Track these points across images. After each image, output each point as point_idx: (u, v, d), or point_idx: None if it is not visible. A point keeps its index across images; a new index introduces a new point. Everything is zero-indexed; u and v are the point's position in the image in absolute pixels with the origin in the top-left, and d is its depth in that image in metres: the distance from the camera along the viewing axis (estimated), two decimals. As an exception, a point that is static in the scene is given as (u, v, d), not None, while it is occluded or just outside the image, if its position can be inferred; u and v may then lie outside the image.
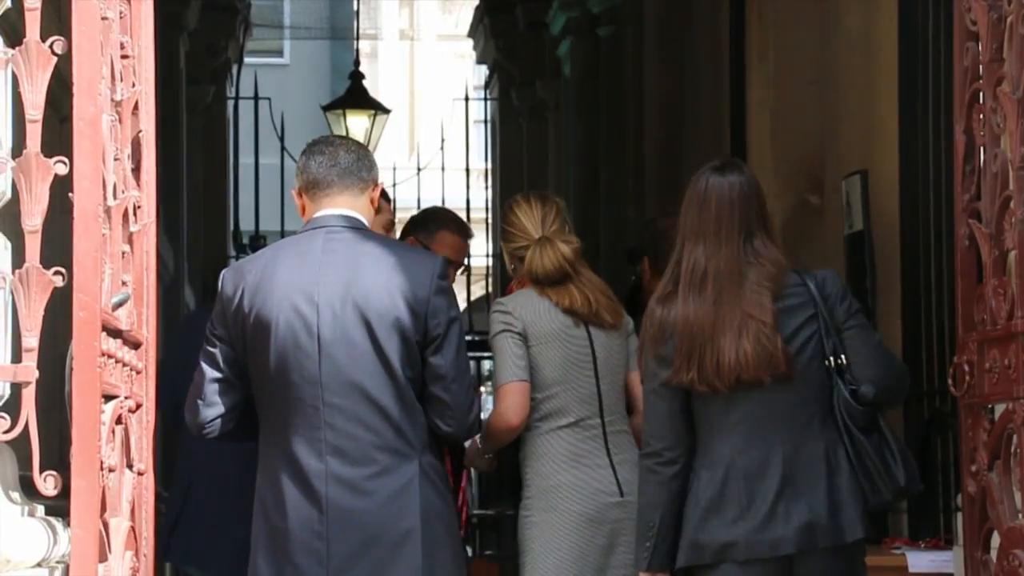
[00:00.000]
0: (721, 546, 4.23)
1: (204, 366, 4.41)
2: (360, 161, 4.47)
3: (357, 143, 4.65)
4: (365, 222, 4.45)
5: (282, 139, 15.38)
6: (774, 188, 8.10)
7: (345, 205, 4.43)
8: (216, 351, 4.40)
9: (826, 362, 4.30)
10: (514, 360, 5.07)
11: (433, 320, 4.33)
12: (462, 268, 6.01)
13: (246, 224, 15.81)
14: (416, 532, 4.26)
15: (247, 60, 16.90)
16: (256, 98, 15.49)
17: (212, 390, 4.39)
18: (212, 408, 4.40)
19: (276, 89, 17.33)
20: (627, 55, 12.38)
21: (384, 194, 4.95)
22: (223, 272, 4.52)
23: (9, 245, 3.83)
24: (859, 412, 4.29)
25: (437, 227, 5.96)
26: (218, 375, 4.39)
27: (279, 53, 25.81)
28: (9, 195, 3.76)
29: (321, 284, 4.33)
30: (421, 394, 4.37)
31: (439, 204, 16.80)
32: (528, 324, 5.12)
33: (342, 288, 4.32)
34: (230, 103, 16.30)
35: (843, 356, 4.30)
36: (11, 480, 3.68)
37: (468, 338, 6.31)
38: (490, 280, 18.15)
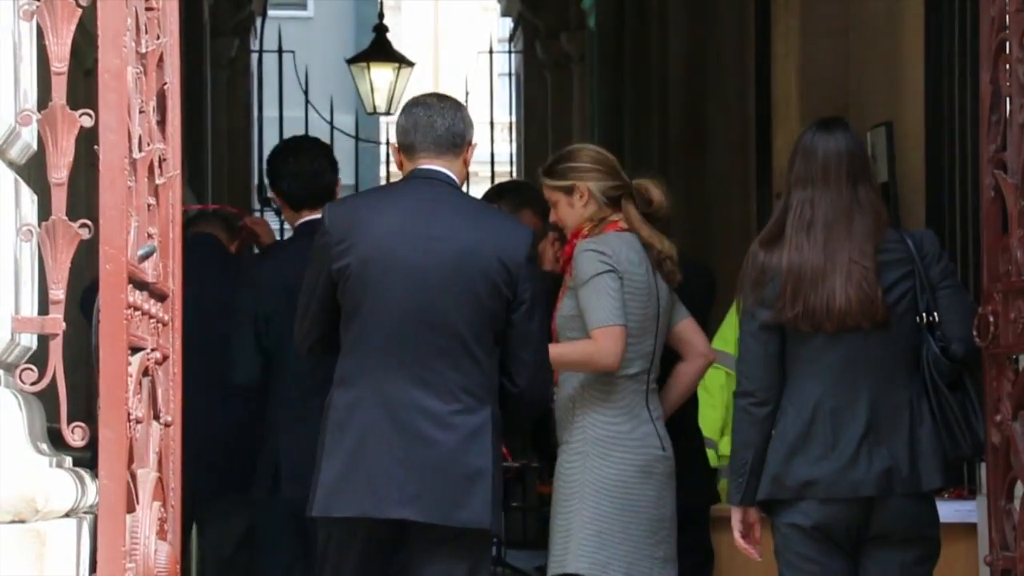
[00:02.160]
0: (803, 483, 4.38)
1: (304, 296, 4.62)
2: (455, 125, 4.64)
3: (454, 103, 4.75)
4: (458, 181, 4.65)
5: (306, 92, 15.37)
6: (799, 140, 8.07)
7: (443, 165, 4.62)
8: (313, 282, 4.59)
9: (918, 318, 4.45)
10: (616, 301, 5.10)
11: (524, 284, 4.54)
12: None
13: (271, 177, 15.80)
14: (488, 471, 4.46)
15: (271, 13, 16.88)
16: (280, 51, 15.48)
17: (311, 319, 4.60)
18: (313, 334, 4.62)
19: (300, 42, 17.29)
20: (652, 7, 12.34)
21: None
22: (327, 207, 4.74)
23: (35, 198, 3.85)
24: (947, 368, 4.43)
25: (523, 204, 6.03)
26: (316, 306, 4.59)
27: (303, 6, 25.77)
28: (35, 148, 3.77)
29: (427, 229, 4.53)
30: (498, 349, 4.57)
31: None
32: (624, 270, 5.16)
33: (446, 236, 4.53)
34: (254, 56, 16.30)
35: (935, 314, 4.44)
36: (39, 431, 3.70)
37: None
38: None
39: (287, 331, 5.11)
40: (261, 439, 5.79)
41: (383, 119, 16.36)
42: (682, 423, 5.53)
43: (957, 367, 4.45)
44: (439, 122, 4.63)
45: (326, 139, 16.11)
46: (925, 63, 6.90)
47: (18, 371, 3.49)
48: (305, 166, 5.76)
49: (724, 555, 5.79)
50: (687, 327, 5.35)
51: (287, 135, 15.55)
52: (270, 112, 15.62)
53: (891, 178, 7.18)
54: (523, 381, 4.59)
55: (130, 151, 3.63)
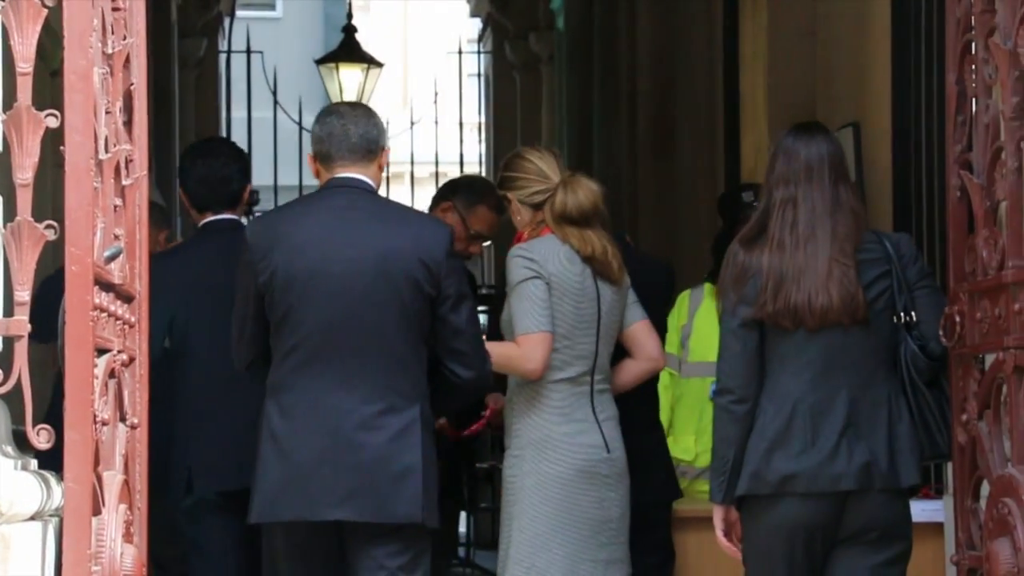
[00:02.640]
0: (783, 477, 4.41)
1: (237, 316, 4.76)
2: (369, 132, 4.80)
3: (366, 110, 4.90)
4: (374, 186, 4.80)
5: (275, 93, 15.34)
6: (767, 141, 8.09)
7: (359, 172, 4.78)
8: (243, 300, 4.73)
9: (895, 317, 4.51)
10: (541, 308, 5.13)
11: (447, 280, 4.68)
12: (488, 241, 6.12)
13: (239, 178, 15.75)
14: (417, 467, 4.60)
15: (239, 13, 16.85)
16: (248, 52, 15.45)
17: (247, 337, 4.76)
18: (251, 352, 4.77)
19: (269, 42, 17.25)
20: (620, 7, 12.35)
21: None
22: (248, 223, 4.91)
23: (0, 199, 3.83)
24: (925, 366, 4.49)
25: (478, 200, 6.02)
26: (248, 326, 4.74)
27: (271, 6, 25.73)
28: (0, 149, 3.76)
29: (347, 236, 4.68)
30: (426, 347, 4.70)
31: (432, 158, 16.82)
32: (552, 274, 5.16)
33: (366, 242, 4.67)
34: (222, 57, 16.25)
35: (913, 313, 4.50)
36: (4, 434, 3.69)
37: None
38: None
39: (192, 332, 5.15)
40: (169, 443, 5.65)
41: (352, 120, 16.36)
42: (638, 420, 5.54)
43: (935, 365, 4.51)
44: (353, 130, 4.78)
45: (295, 140, 16.17)
46: (892, 64, 6.91)
47: (-17, 373, 3.48)
48: (214, 171, 5.70)
49: (690, 554, 5.79)
50: (640, 329, 5.35)
51: (256, 136, 15.61)
52: (238, 113, 15.58)
53: (858, 179, 7.19)
54: (465, 371, 4.75)
55: (96, 152, 3.62)
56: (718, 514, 4.55)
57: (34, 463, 3.79)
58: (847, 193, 4.53)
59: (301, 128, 15.34)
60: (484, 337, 5.07)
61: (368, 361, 4.62)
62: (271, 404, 4.67)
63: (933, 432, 4.51)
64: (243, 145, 16.28)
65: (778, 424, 4.44)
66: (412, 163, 16.11)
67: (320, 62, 15.81)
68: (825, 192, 4.50)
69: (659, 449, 5.76)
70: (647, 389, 5.64)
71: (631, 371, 5.37)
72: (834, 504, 4.43)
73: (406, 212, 4.88)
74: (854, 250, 4.48)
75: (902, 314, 4.50)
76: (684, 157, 10.43)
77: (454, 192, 6.19)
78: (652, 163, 11.16)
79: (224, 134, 15.92)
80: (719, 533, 4.55)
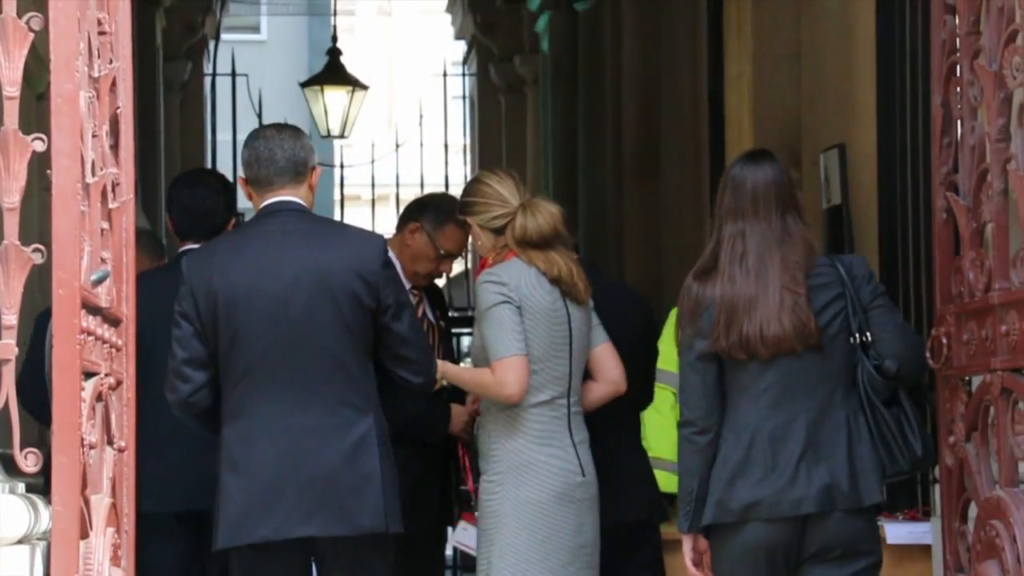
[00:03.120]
0: (746, 505, 4.49)
1: (176, 347, 4.78)
2: (296, 154, 4.89)
3: (293, 132, 4.97)
4: (306, 206, 4.90)
5: (260, 116, 15.32)
6: (752, 162, 8.10)
7: (289, 195, 4.88)
8: (184, 332, 4.78)
9: (851, 338, 4.57)
10: (515, 332, 5.10)
11: (385, 290, 4.79)
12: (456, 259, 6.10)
13: (224, 201, 15.75)
14: (375, 476, 4.70)
15: (224, 36, 16.84)
16: (233, 74, 15.43)
17: (188, 368, 4.78)
18: (190, 383, 4.78)
19: (254, 65, 17.27)
20: (605, 30, 12.38)
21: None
22: (184, 259, 4.98)
23: (-12, 223, 3.82)
24: (882, 385, 4.56)
25: (446, 218, 5.97)
26: (189, 354, 4.77)
27: (256, 29, 25.72)
28: (-13, 172, 3.75)
29: (285, 260, 4.76)
30: (375, 358, 4.82)
31: (418, 180, 16.81)
32: (523, 297, 5.15)
33: (304, 263, 4.76)
34: (207, 79, 16.25)
35: (868, 333, 4.56)
36: (-9, 458, 3.68)
37: (451, 314, 6.27)
38: (468, 256, 18.14)
39: (154, 355, 5.07)
40: None
41: (337, 142, 16.36)
42: (624, 440, 5.55)
43: (892, 384, 4.58)
44: (279, 153, 4.86)
45: (280, 162, 16.16)
46: (877, 86, 6.93)
47: (-30, 397, 3.47)
48: (198, 201, 5.71)
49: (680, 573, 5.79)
50: (603, 352, 5.32)
51: (241, 159, 15.63)
52: (224, 136, 15.57)
53: (844, 200, 7.21)
54: (415, 377, 4.87)
55: (83, 175, 3.62)
56: (687, 543, 4.63)
57: (22, 487, 3.78)
58: (795, 222, 4.60)
59: (286, 151, 15.32)
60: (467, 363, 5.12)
61: (317, 379, 4.71)
62: (228, 430, 4.74)
63: (893, 450, 4.57)
64: (228, 167, 16.34)
65: (739, 454, 4.51)
66: (397, 185, 16.12)
67: (305, 85, 15.82)
68: (773, 223, 4.57)
69: (644, 469, 5.76)
70: (631, 409, 5.64)
71: (595, 393, 5.34)
72: (795, 526, 4.50)
73: (339, 228, 5.01)
74: (805, 277, 4.54)
75: (857, 335, 4.56)
76: (669, 179, 10.43)
77: (421, 212, 6.11)
78: (637, 185, 11.17)
79: (209, 157, 15.93)
80: (688, 563, 4.63)
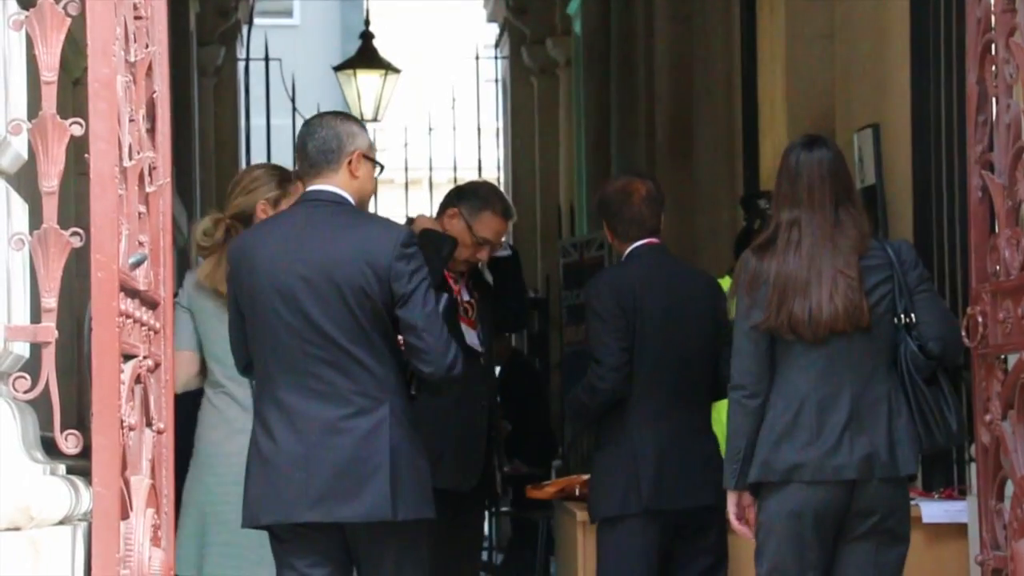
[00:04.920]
0: (790, 467, 4.74)
1: (232, 323, 4.97)
2: (325, 143, 4.91)
3: (332, 119, 4.98)
4: (343, 194, 4.93)
5: (293, 100, 15.37)
6: (786, 144, 8.08)
7: (325, 183, 4.91)
8: (233, 310, 4.96)
9: (895, 319, 4.81)
10: None
11: (397, 283, 4.83)
12: (500, 248, 6.13)
13: (257, 186, 15.77)
14: (384, 467, 4.75)
15: (257, 21, 16.87)
16: (267, 59, 15.47)
17: (239, 341, 4.95)
18: (241, 355, 4.96)
19: (287, 50, 17.26)
20: (637, 11, 12.36)
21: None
22: (231, 243, 5.13)
23: (27, 207, 3.85)
24: (924, 364, 4.80)
25: (482, 205, 6.04)
26: (238, 331, 4.94)
27: (289, 13, 25.73)
28: (26, 157, 3.78)
29: (302, 253, 4.85)
30: (395, 345, 4.87)
31: (450, 163, 16.83)
32: None
33: (319, 257, 4.84)
34: (240, 64, 16.29)
35: (912, 315, 4.80)
36: (33, 440, 3.70)
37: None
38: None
39: None
40: None
41: (371, 126, 16.37)
42: (695, 423, 5.65)
43: (933, 364, 4.80)
44: (310, 144, 4.93)
45: (313, 147, 16.14)
46: (911, 65, 6.90)
47: (11, 379, 3.50)
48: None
49: (742, 558, 5.79)
50: None
51: (275, 143, 15.62)
52: (257, 120, 15.62)
53: (878, 180, 7.19)
54: (425, 367, 4.84)
55: (120, 160, 3.64)
56: (732, 499, 4.86)
57: (63, 468, 3.81)
58: (848, 212, 4.80)
59: (319, 135, 15.33)
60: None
61: (331, 370, 4.78)
62: (256, 418, 4.89)
63: (931, 425, 4.80)
64: (261, 152, 16.33)
65: (787, 418, 4.76)
66: (431, 169, 16.14)
67: (338, 69, 15.84)
68: (827, 215, 4.77)
69: (714, 452, 5.80)
70: (702, 392, 5.68)
71: None
72: (840, 491, 4.73)
73: (360, 220, 4.94)
74: (857, 261, 4.76)
75: (902, 316, 4.79)
76: (703, 161, 10.42)
77: (459, 199, 6.20)
78: (670, 167, 11.14)
79: (243, 142, 15.97)
80: (732, 517, 4.86)
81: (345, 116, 5.05)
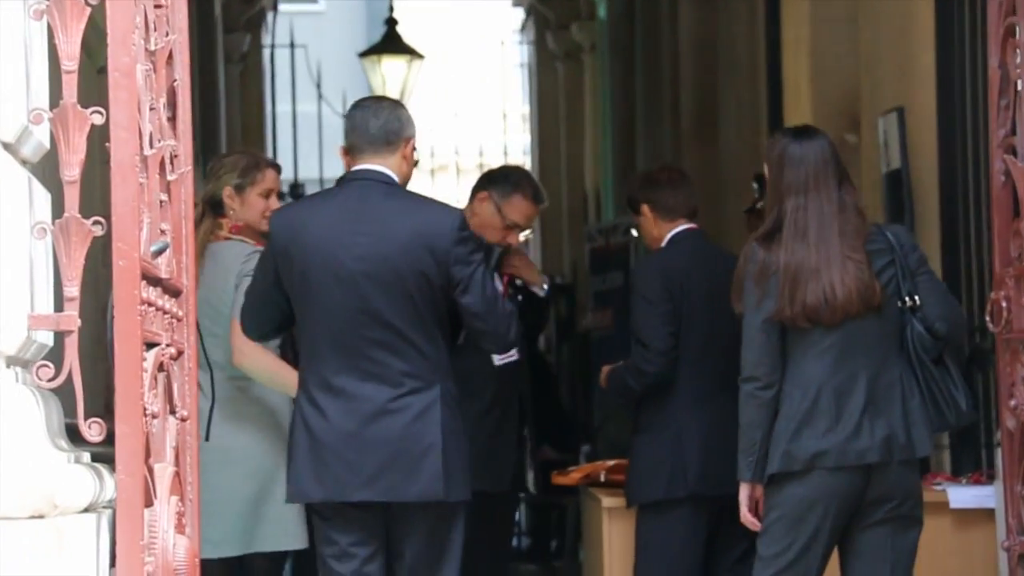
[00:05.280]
0: (813, 455, 4.75)
1: (257, 289, 5.04)
2: (390, 124, 4.98)
3: (391, 103, 5.11)
4: (393, 176, 4.97)
5: (319, 86, 15.40)
6: (811, 127, 8.06)
7: (379, 163, 4.96)
8: (267, 280, 4.99)
9: (899, 302, 4.85)
10: None
11: (456, 267, 4.87)
12: (529, 231, 6.21)
13: (284, 172, 15.80)
14: (437, 446, 4.83)
15: (282, 8, 16.90)
16: (292, 46, 15.50)
17: (259, 309, 5.03)
18: (270, 323, 5.06)
19: (312, 36, 17.31)
20: (662, -5, 12.34)
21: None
22: (273, 213, 5.16)
23: (50, 196, 3.86)
24: (931, 345, 4.84)
25: (513, 189, 6.09)
26: (262, 299, 5.01)
27: (314, 0, 25.75)
28: (48, 146, 3.78)
29: (356, 230, 4.87)
30: (446, 328, 4.94)
31: (476, 149, 16.84)
32: None
33: (374, 235, 4.86)
34: (266, 51, 16.31)
35: (916, 297, 4.85)
36: (57, 428, 3.71)
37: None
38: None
39: None
40: None
41: (396, 112, 16.35)
42: (730, 411, 5.60)
43: (940, 344, 4.86)
44: (372, 122, 4.97)
45: (339, 134, 16.19)
46: (936, 48, 6.88)
47: (35, 368, 3.51)
48: None
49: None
50: None
51: (300, 129, 15.64)
52: (283, 107, 15.65)
53: (903, 164, 7.16)
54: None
55: (141, 148, 3.65)
56: (745, 491, 4.84)
57: (87, 456, 3.83)
58: (849, 193, 4.85)
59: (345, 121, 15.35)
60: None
61: (385, 351, 4.84)
62: (302, 393, 4.94)
63: (940, 405, 4.84)
64: (287, 139, 16.34)
65: (805, 406, 4.76)
66: (456, 154, 16.14)
67: (363, 55, 15.85)
68: (832, 197, 4.80)
69: None
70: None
71: None
72: (860, 476, 4.75)
73: (416, 203, 4.98)
74: (863, 244, 4.80)
75: (907, 298, 4.84)
76: (728, 145, 10.41)
77: (490, 182, 6.25)
78: (696, 151, 11.14)
79: (269, 128, 16.00)
80: (745, 509, 4.85)
81: (398, 102, 5.16)
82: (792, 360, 4.80)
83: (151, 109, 3.78)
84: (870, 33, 7.73)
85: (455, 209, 5.05)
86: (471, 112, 16.09)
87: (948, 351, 4.87)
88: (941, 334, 4.83)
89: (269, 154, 15.93)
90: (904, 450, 4.77)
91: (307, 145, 15.53)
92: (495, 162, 17.15)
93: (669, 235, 5.79)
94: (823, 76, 8.18)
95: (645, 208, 5.84)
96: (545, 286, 6.30)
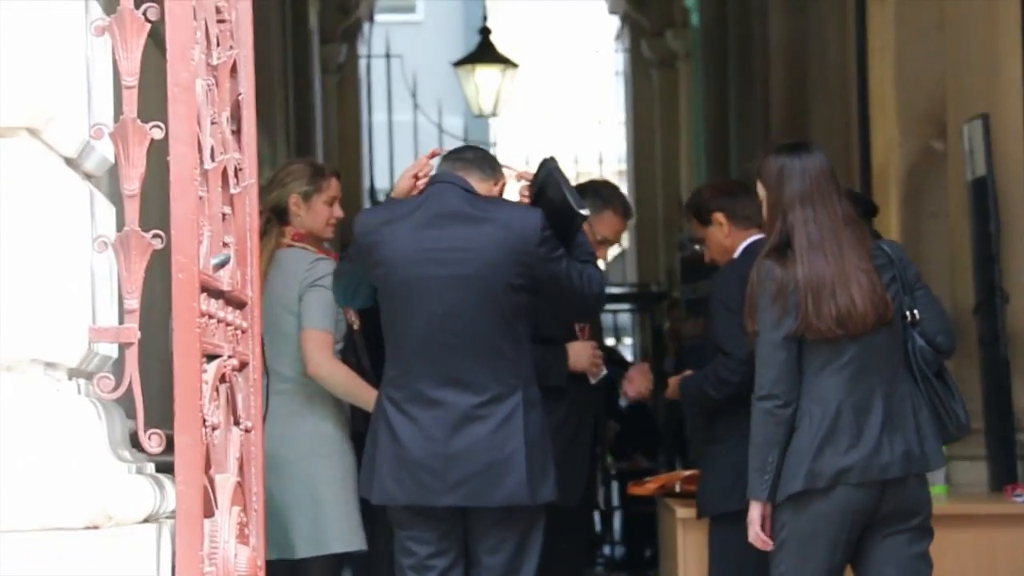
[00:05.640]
0: (838, 471, 4.72)
1: (343, 271, 5.16)
2: (487, 159, 5.11)
3: (484, 151, 5.26)
4: (471, 185, 5.01)
5: (414, 96, 15.46)
6: (897, 135, 8.02)
7: (463, 175, 5.03)
8: (352, 268, 5.09)
9: (901, 317, 4.87)
10: None
11: (540, 267, 4.91)
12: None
13: (381, 181, 15.91)
14: (520, 452, 4.84)
15: (379, 18, 17.00)
16: (388, 56, 15.58)
17: (345, 287, 5.17)
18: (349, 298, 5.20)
19: (409, 46, 17.40)
20: (753, 3, 12.27)
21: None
22: (358, 216, 5.16)
23: (113, 209, 3.90)
24: (933, 359, 4.89)
25: (604, 205, 6.09)
26: (349, 279, 5.11)
27: (411, 9, 25.85)
28: (112, 161, 3.82)
29: (441, 237, 4.91)
30: (528, 331, 4.97)
31: (572, 157, 16.80)
32: None
33: (460, 242, 4.89)
34: (362, 61, 16.41)
35: (915, 312, 4.88)
36: (120, 439, 3.75)
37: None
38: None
39: None
40: None
41: (491, 121, 16.41)
42: None
43: (940, 358, 4.91)
44: (469, 153, 5.17)
45: (435, 142, 16.26)
46: (1022, 54, 6.80)
47: (96, 380, 3.55)
48: None
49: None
50: None
51: (397, 139, 15.70)
52: (379, 116, 15.72)
53: (988, 171, 7.08)
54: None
55: (201, 162, 3.67)
56: (757, 510, 4.81)
57: (151, 466, 3.86)
58: (848, 206, 4.84)
59: (441, 131, 15.42)
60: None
61: (470, 357, 4.87)
62: (384, 396, 4.98)
63: (943, 418, 4.87)
64: (383, 148, 16.40)
65: (826, 424, 4.75)
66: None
67: (457, 64, 15.90)
68: (836, 208, 4.80)
69: None
70: None
71: None
72: (878, 490, 4.75)
73: (495, 205, 5.01)
74: (870, 256, 4.81)
75: (908, 313, 4.86)
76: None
77: (581, 196, 6.21)
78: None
79: (365, 138, 16.09)
80: (757, 528, 4.80)
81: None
82: (808, 377, 4.79)
83: (213, 123, 3.81)
84: (956, 39, 7.66)
85: (535, 209, 5.02)
86: (565, 120, 16.05)
87: (943, 365, 4.93)
88: (943, 348, 4.88)
89: (365, 164, 16.04)
90: (919, 463, 4.79)
91: (402, 154, 15.58)
92: (590, 170, 17.13)
93: (743, 244, 5.73)
94: (909, 82, 8.11)
95: (720, 217, 5.80)
96: (603, 372, 6.21)
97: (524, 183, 5.21)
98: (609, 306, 17.23)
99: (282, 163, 6.51)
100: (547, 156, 5.25)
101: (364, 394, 5.41)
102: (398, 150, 15.70)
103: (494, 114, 15.47)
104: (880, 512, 4.76)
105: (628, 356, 16.11)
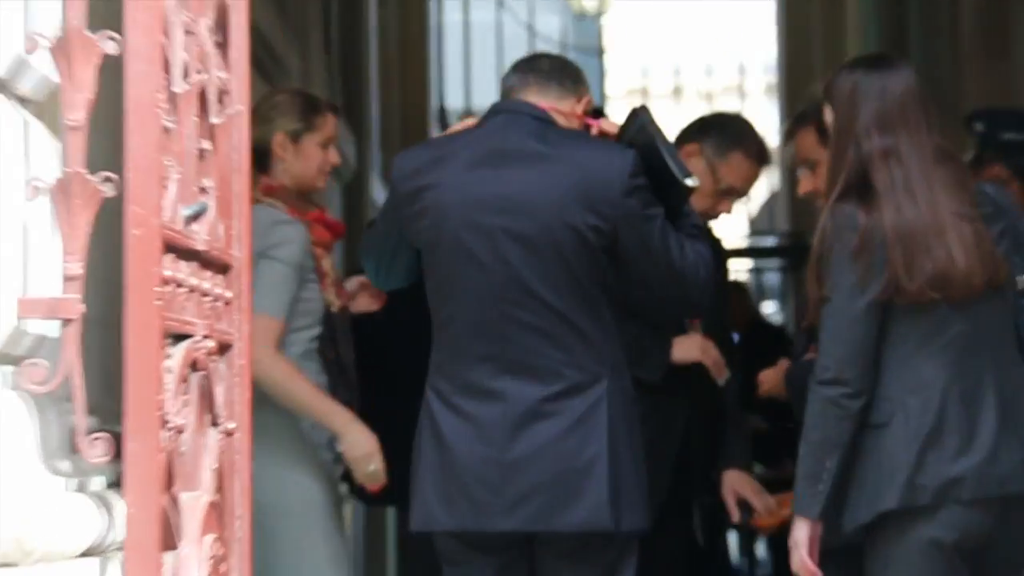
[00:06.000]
0: (946, 483, 4.58)
1: (377, 235, 5.11)
2: (571, 69, 5.06)
3: (564, 59, 5.19)
4: (548, 113, 4.94)
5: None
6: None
7: (535, 101, 4.95)
8: (387, 231, 5.05)
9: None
10: None
11: (625, 226, 4.81)
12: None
13: (454, 99, 15.88)
14: (602, 461, 4.74)
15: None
16: (464, -64, 15.55)
17: (375, 250, 5.14)
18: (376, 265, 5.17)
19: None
20: None
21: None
22: (396, 158, 5.08)
23: (59, 146, 3.88)
24: None
25: (733, 144, 6.03)
26: (381, 242, 5.09)
27: None
28: (58, 81, 3.80)
29: (498, 185, 4.83)
30: (616, 304, 4.89)
31: (704, 68, 16.75)
32: None
33: (521, 191, 4.81)
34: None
35: None
36: (57, 445, 3.72)
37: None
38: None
39: None
40: None
41: (598, 21, 16.37)
42: None
43: None
44: (544, 61, 5.07)
45: (524, 49, 16.21)
46: None
47: (25, 367, 3.52)
48: None
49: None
50: None
51: (475, 44, 15.66)
52: (452, 16, 15.69)
53: None
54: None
55: (168, 83, 3.64)
56: (804, 529, 4.67)
57: (100, 481, 3.85)
58: (944, 138, 4.73)
59: (532, 34, 15.39)
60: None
61: (538, 337, 4.79)
62: (431, 390, 4.91)
63: None
64: (457, 57, 16.40)
65: (928, 420, 4.60)
66: (676, 74, 16.08)
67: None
68: (924, 138, 4.69)
69: None
70: None
71: None
72: (998, 512, 4.59)
73: (573, 140, 4.93)
74: (973, 202, 4.67)
75: (1021, 277, 4.75)
76: (1022, 59, 10.23)
77: (703, 133, 6.16)
78: (981, 66, 11.02)
79: (433, 44, 16.06)
80: (803, 552, 4.68)
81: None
82: (897, 360, 4.64)
83: (188, 33, 3.78)
84: None
85: (626, 150, 4.94)
86: (695, 20, 16.00)
87: None
88: None
89: (432, 78, 16.01)
90: None
91: (482, 63, 15.54)
92: (729, 83, 17.05)
93: None
94: None
95: None
96: (728, 375, 6.17)
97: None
98: (754, 263, 17.17)
99: (308, 85, 6.49)
100: (637, 105, 5.18)
101: (309, 400, 5.42)
102: (475, 57, 15.65)
103: (601, 12, 15.42)
104: (997, 545, 4.61)
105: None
